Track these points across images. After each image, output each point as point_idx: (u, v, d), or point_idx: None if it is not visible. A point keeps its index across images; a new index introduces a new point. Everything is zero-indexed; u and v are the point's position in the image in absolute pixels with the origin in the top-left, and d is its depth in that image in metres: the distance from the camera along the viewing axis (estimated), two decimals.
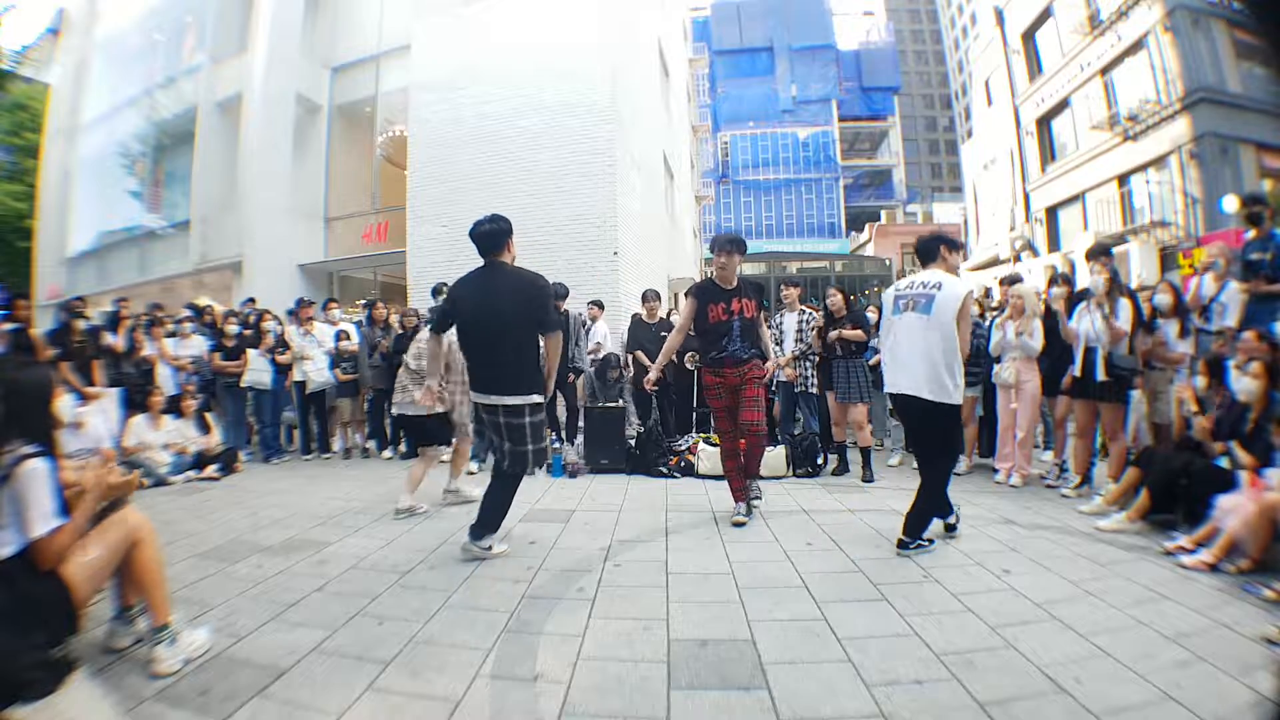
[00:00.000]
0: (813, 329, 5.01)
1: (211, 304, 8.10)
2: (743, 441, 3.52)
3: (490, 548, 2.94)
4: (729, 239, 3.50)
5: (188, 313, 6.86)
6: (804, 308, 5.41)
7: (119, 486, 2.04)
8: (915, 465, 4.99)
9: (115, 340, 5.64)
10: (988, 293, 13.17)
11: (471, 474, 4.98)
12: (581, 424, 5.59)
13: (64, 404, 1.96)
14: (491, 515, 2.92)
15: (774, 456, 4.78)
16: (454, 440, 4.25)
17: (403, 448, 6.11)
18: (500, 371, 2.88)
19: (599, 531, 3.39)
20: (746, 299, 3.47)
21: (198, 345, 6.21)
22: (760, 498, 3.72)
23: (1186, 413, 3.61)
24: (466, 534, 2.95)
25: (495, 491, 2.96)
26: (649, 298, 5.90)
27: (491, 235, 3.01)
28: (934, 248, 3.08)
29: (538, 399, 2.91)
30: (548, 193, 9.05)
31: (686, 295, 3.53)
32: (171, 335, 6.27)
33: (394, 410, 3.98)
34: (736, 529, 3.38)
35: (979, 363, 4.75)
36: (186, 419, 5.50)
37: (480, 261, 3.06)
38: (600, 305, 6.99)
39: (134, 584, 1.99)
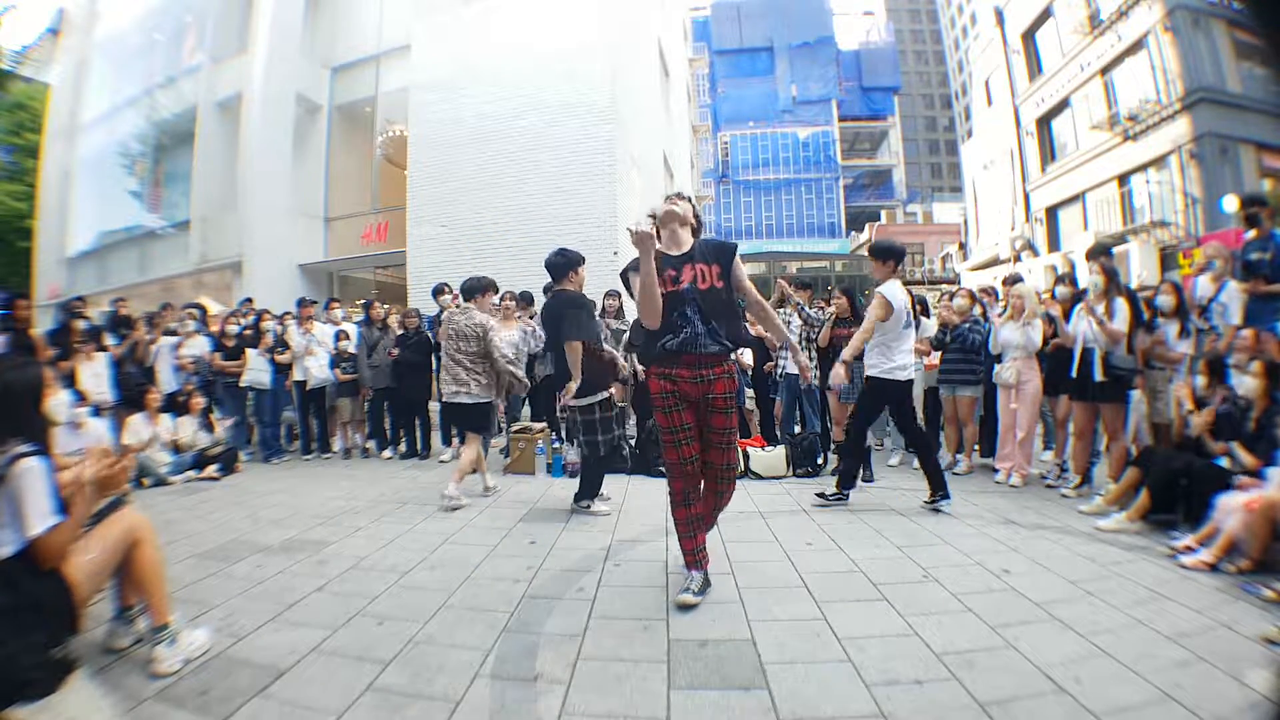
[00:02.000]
0: (825, 322, 4.97)
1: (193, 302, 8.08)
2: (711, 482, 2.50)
3: (589, 506, 3.76)
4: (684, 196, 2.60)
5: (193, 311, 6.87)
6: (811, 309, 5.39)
7: (116, 476, 2.01)
8: (916, 465, 5.03)
9: (115, 345, 5.63)
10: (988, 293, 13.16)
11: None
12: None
13: (59, 403, 1.95)
14: (590, 485, 3.79)
15: (774, 456, 4.78)
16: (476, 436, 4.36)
17: (403, 447, 6.12)
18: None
19: (599, 531, 3.39)
20: (704, 264, 2.39)
21: (199, 345, 6.21)
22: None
23: (1185, 413, 3.61)
24: (572, 499, 3.83)
25: (587, 470, 3.81)
26: None
27: (554, 266, 3.66)
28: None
29: (600, 397, 3.63)
30: (548, 193, 9.06)
31: (623, 276, 2.56)
32: (171, 334, 6.27)
33: (443, 399, 4.28)
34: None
35: (979, 362, 4.75)
36: (192, 416, 5.51)
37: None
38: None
39: (134, 584, 1.99)
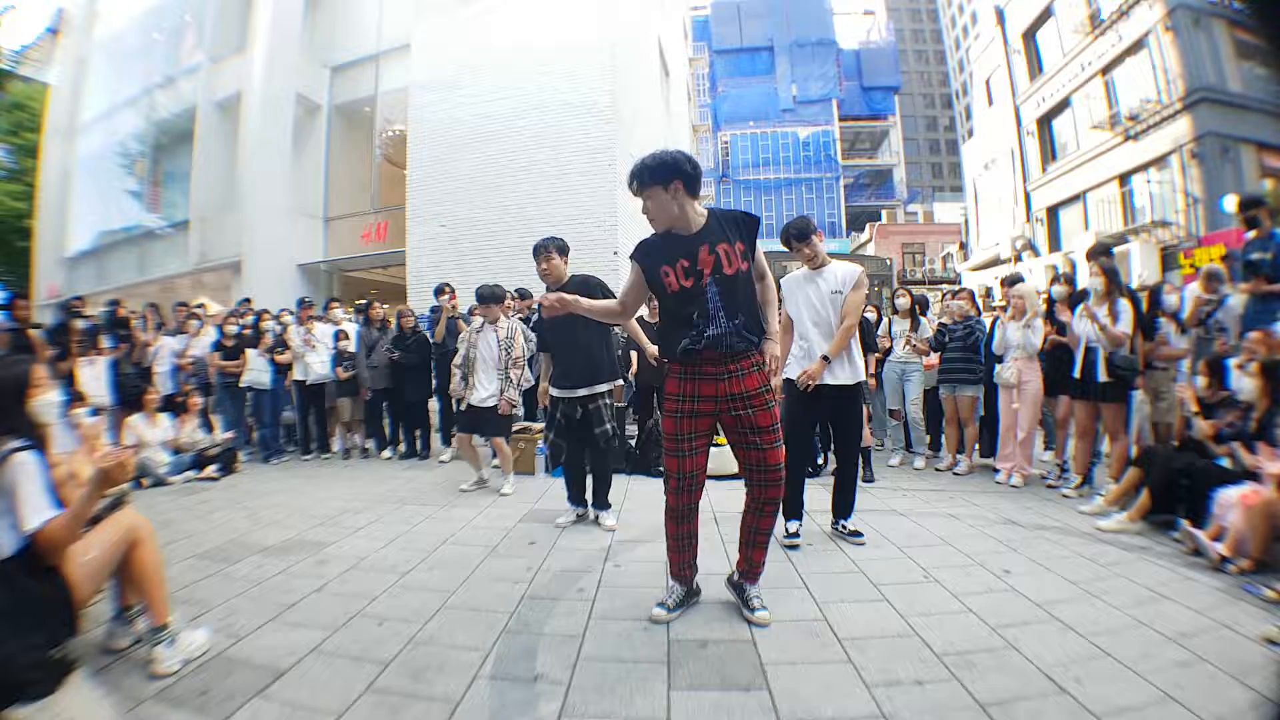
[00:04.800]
0: None
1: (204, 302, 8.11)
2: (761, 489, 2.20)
3: (597, 519, 3.56)
4: (644, 167, 2.05)
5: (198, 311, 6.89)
6: None
7: (117, 470, 1.99)
8: (916, 466, 5.04)
9: (111, 348, 5.63)
10: (988, 293, 13.15)
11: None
12: None
13: (51, 401, 1.94)
14: (603, 490, 3.59)
15: None
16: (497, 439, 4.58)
17: (402, 448, 6.11)
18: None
19: (599, 532, 3.38)
20: (724, 243, 2.04)
21: (201, 345, 6.22)
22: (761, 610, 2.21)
23: (1187, 412, 3.60)
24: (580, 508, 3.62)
25: (600, 469, 3.60)
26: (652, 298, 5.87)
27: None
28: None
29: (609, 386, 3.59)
30: (548, 193, 9.06)
31: (631, 259, 2.20)
32: (174, 334, 6.28)
33: (466, 402, 4.45)
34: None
35: (979, 361, 4.75)
36: (191, 415, 5.51)
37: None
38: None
39: (133, 584, 1.99)
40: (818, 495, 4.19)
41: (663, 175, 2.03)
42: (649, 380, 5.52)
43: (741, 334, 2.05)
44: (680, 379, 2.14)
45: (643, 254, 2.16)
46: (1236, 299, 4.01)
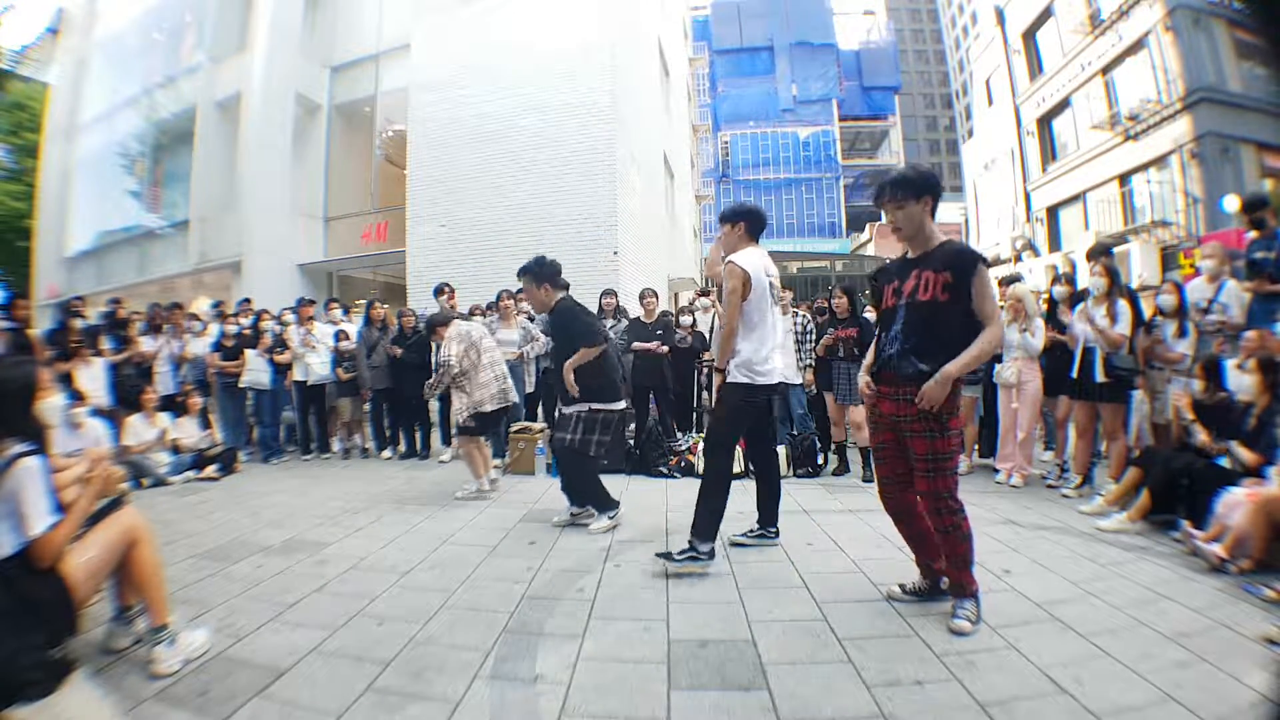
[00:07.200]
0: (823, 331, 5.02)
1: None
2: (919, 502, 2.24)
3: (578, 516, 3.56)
4: (904, 178, 2.17)
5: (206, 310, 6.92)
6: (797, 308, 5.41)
7: (112, 483, 2.03)
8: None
9: (111, 350, 5.63)
10: None
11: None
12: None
13: (54, 403, 1.95)
14: (580, 490, 3.56)
15: None
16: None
17: (402, 448, 6.11)
18: None
19: (599, 532, 3.38)
20: (932, 271, 2.10)
21: (202, 345, 6.22)
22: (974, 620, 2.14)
23: (1184, 421, 3.59)
24: (569, 510, 3.57)
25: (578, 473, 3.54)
26: (646, 295, 5.87)
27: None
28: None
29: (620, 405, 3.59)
30: (548, 193, 9.06)
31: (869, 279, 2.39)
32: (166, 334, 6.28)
33: (472, 411, 4.36)
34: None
35: None
36: (190, 416, 5.51)
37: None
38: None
39: (132, 584, 1.99)
40: (818, 495, 4.20)
41: (920, 189, 2.15)
42: (644, 381, 5.53)
43: (911, 360, 2.12)
44: (871, 394, 2.31)
45: (882, 273, 2.36)
46: (1234, 284, 3.99)
